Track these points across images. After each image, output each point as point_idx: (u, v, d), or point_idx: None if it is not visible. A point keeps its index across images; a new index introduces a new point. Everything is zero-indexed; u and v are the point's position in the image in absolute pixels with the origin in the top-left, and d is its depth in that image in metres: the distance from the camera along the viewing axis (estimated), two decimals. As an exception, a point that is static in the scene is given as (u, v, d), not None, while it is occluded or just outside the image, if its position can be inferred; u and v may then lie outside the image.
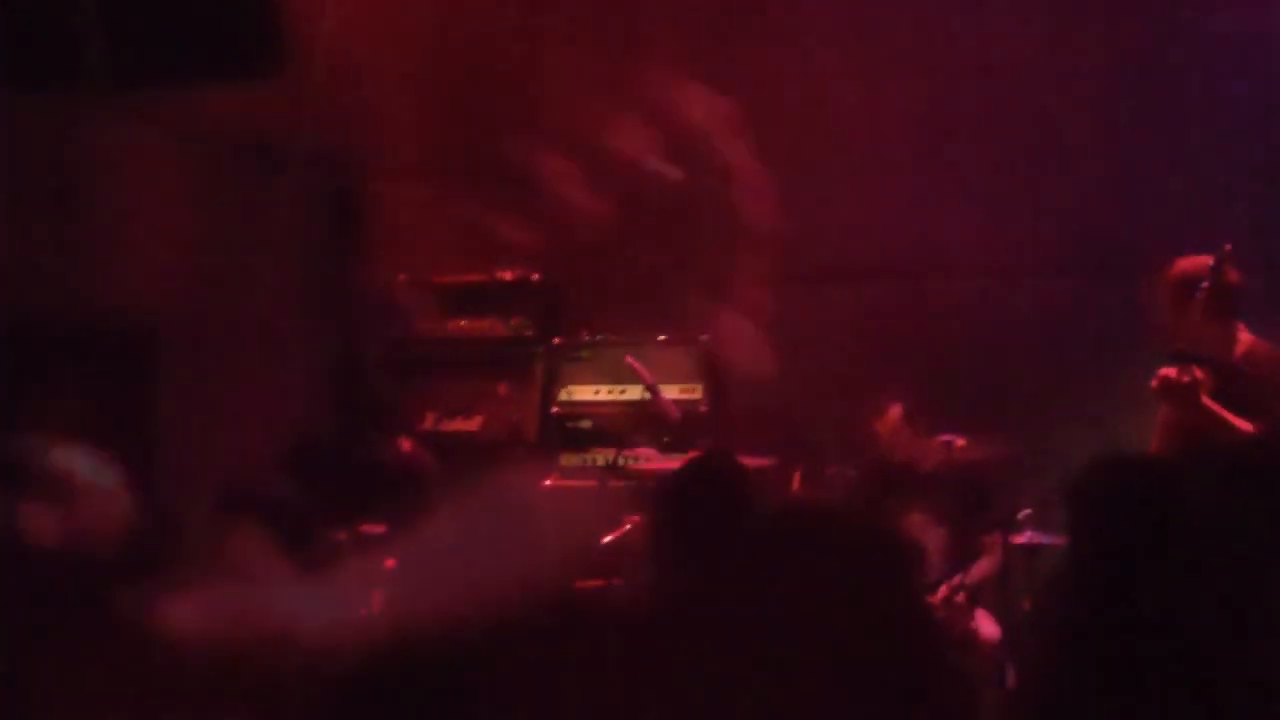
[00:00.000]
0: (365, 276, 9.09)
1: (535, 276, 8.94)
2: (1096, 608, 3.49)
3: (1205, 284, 6.17)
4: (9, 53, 6.13)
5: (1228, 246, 6.20)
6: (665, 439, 7.94)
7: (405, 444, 7.63)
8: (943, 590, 7.12)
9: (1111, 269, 8.00)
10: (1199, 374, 6.09)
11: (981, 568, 7.30)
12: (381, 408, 8.58)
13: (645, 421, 8.09)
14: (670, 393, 8.15)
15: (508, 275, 8.96)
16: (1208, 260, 6.27)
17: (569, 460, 8.63)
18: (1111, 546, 3.50)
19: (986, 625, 7.10)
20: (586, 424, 8.67)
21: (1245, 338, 6.36)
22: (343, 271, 9.06)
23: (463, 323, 9.00)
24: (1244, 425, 6.04)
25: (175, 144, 7.88)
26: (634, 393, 8.23)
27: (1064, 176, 8.44)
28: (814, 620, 2.85)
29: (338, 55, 8.21)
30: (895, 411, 7.57)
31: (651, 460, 7.67)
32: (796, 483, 7.62)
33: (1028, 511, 6.99)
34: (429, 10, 8.86)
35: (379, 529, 7.09)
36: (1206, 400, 6.09)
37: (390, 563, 6.48)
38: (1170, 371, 6.12)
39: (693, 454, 6.32)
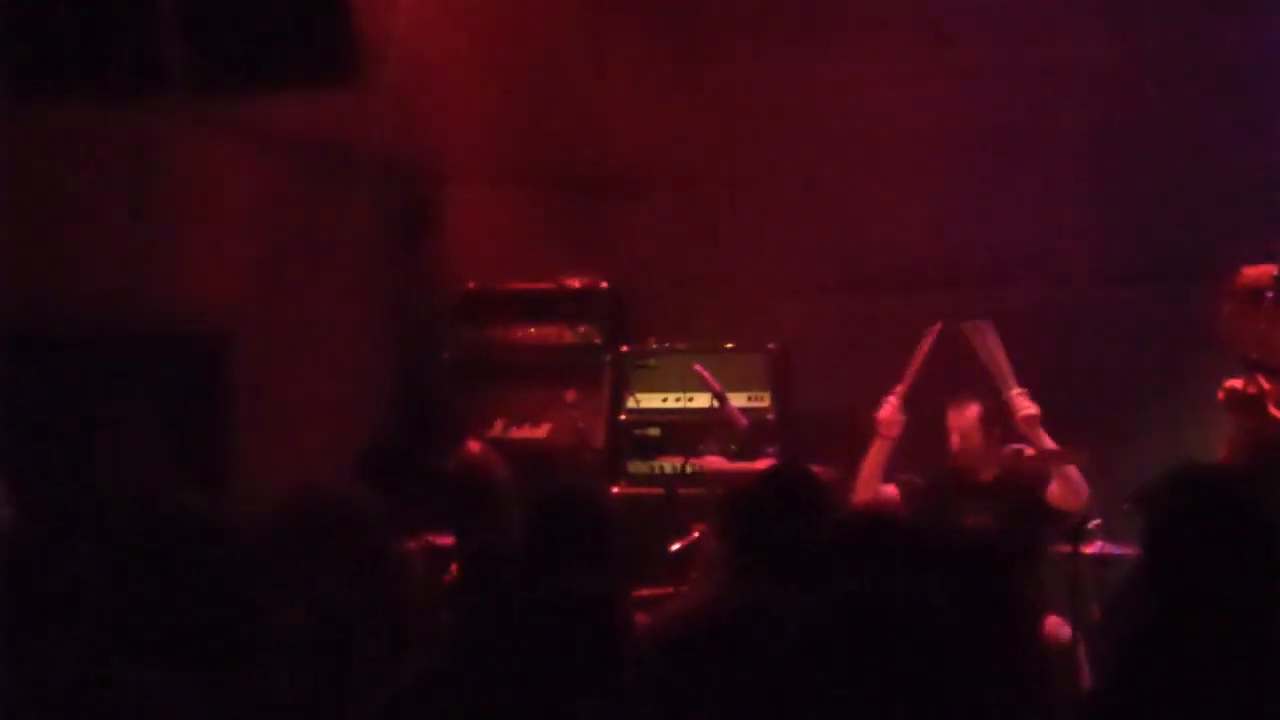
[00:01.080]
0: (434, 283, 9.14)
1: (603, 284, 8.96)
2: (1170, 617, 3.48)
3: (1270, 293, 6.16)
4: (91, 61, 6.22)
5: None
6: (733, 447, 7.93)
7: (474, 447, 7.65)
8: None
9: (1179, 277, 7.95)
10: (1266, 385, 6.07)
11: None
12: (449, 415, 8.61)
13: (713, 429, 8.09)
14: (738, 400, 8.15)
15: (575, 283, 8.98)
16: (1273, 269, 6.26)
17: (636, 468, 8.66)
18: (1185, 557, 3.49)
19: (1057, 630, 7.07)
20: (654, 432, 8.68)
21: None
22: (412, 278, 9.11)
23: (530, 330, 9.02)
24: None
25: (248, 149, 7.96)
26: (701, 400, 8.23)
27: (1130, 183, 8.39)
28: (888, 636, 2.86)
29: (408, 62, 8.27)
30: (973, 410, 7.52)
31: (719, 467, 7.67)
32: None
33: (1098, 521, 6.96)
34: (499, 17, 8.90)
35: (447, 540, 7.14)
36: (1275, 410, 6.07)
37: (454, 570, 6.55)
38: (1236, 383, 6.11)
39: (767, 464, 6.34)
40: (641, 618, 4.77)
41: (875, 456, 7.47)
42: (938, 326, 7.55)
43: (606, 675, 3.38)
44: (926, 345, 7.57)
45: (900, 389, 7.57)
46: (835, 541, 4.10)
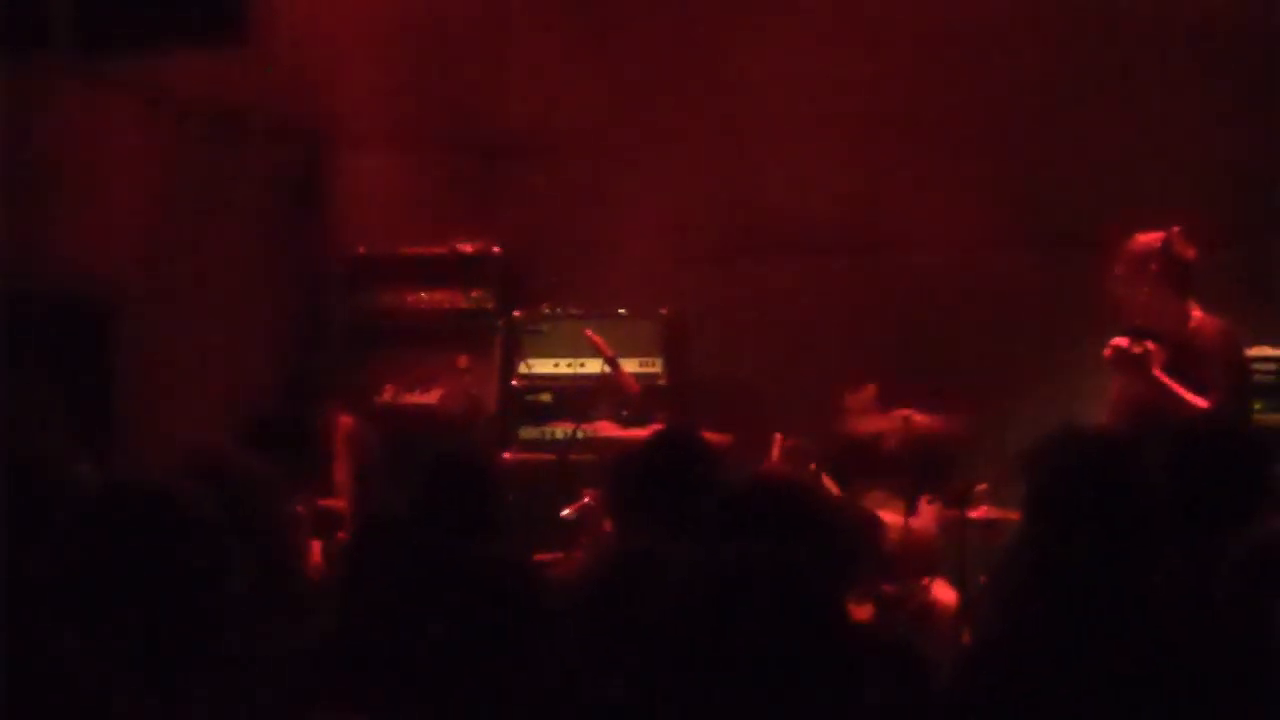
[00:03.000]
0: (326, 246, 9.08)
1: (495, 249, 8.94)
2: (1050, 580, 3.53)
3: (1154, 264, 6.27)
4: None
5: (1175, 229, 6.30)
6: (625, 413, 7.94)
7: (347, 421, 7.63)
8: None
9: (1068, 244, 8.03)
10: (1151, 346, 6.16)
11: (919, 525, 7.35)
12: (336, 380, 8.56)
13: (605, 395, 8.10)
14: (630, 366, 8.17)
15: (468, 247, 8.95)
16: (1160, 237, 6.36)
17: (528, 433, 8.65)
18: (1064, 519, 3.54)
19: (944, 594, 7.15)
20: (546, 397, 8.68)
21: (1197, 314, 6.43)
22: (303, 241, 9.05)
23: (422, 295, 8.99)
24: (1194, 399, 6.11)
25: (137, 111, 7.86)
26: (594, 366, 8.22)
27: (1022, 151, 8.47)
28: (768, 594, 2.87)
29: (301, 22, 8.20)
30: (870, 390, 7.61)
31: (610, 433, 7.68)
32: (770, 456, 7.62)
33: (983, 486, 7.04)
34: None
35: (337, 503, 7.12)
36: (1158, 373, 6.16)
37: (341, 535, 6.53)
38: (1123, 342, 6.20)
39: (655, 428, 6.35)
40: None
41: None
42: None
43: (503, 637, 3.39)
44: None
45: None
46: (723, 506, 4.11)
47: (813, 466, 7.26)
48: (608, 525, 5.45)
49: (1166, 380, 6.15)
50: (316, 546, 6.54)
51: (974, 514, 6.93)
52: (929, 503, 7.35)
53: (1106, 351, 6.23)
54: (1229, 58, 8.11)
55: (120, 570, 3.13)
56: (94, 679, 2.97)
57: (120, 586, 3.12)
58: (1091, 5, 8.41)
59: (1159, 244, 6.34)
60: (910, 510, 7.29)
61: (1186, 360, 6.26)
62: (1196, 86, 8.10)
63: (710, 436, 5.62)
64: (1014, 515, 6.65)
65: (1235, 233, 7.53)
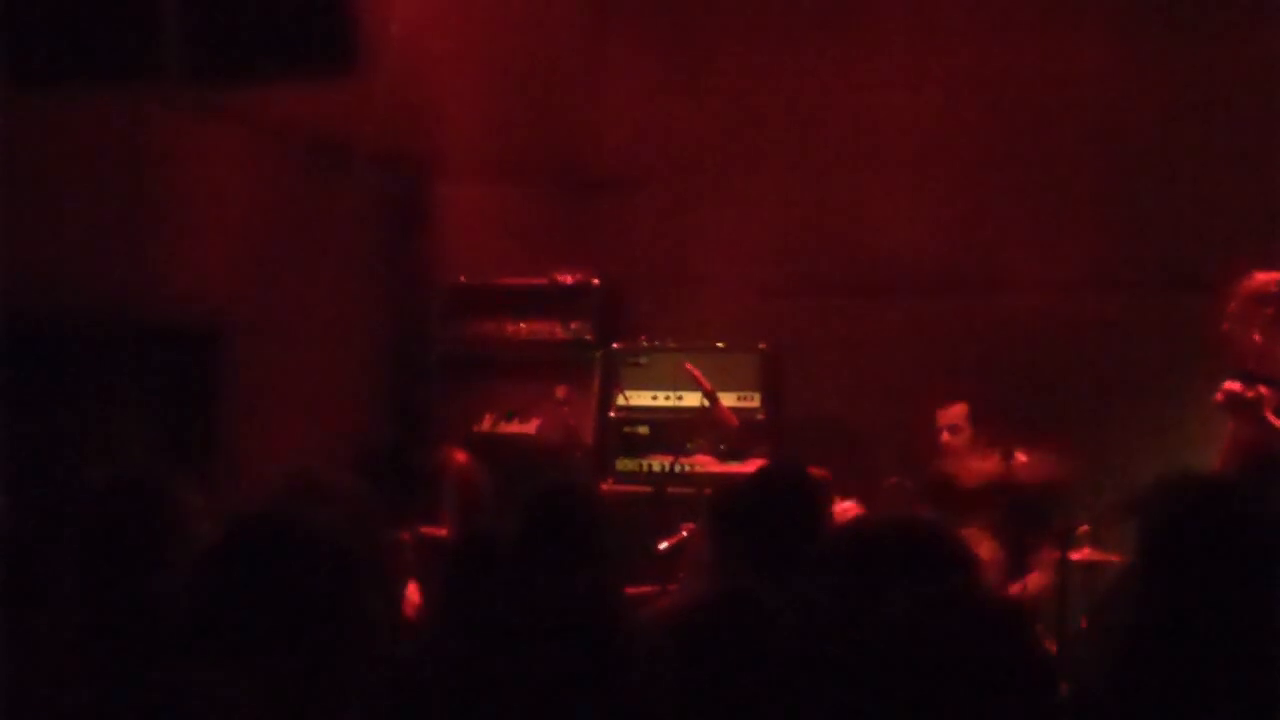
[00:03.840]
0: (427, 277, 9.13)
1: (595, 280, 8.96)
2: (1162, 625, 3.48)
3: (1270, 308, 6.18)
4: (86, 49, 6.20)
5: None
6: (722, 446, 7.93)
7: (460, 457, 7.67)
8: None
9: (1172, 283, 7.97)
10: (1264, 391, 6.08)
11: (1036, 582, 7.27)
12: (438, 410, 8.61)
13: (703, 428, 8.09)
14: (728, 400, 8.17)
15: (568, 279, 8.98)
16: (1267, 276, 6.27)
17: (625, 465, 8.66)
18: (1179, 564, 3.49)
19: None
20: (644, 430, 8.68)
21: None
22: (405, 271, 9.10)
23: (522, 325, 9.02)
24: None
25: (244, 140, 7.94)
26: (692, 399, 8.24)
27: (1125, 190, 8.42)
28: (880, 636, 2.85)
29: (406, 55, 8.26)
30: (960, 408, 7.55)
31: (709, 467, 7.67)
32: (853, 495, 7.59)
33: (1085, 528, 6.96)
34: (497, 12, 8.90)
35: (440, 531, 7.14)
36: (1271, 417, 6.07)
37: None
38: (1235, 385, 6.11)
39: (758, 463, 6.32)
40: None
41: None
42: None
43: (600, 670, 3.37)
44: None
45: None
46: (829, 543, 4.08)
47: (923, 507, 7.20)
48: (706, 560, 5.43)
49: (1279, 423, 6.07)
50: (413, 588, 6.59)
51: (1075, 556, 6.86)
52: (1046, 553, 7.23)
53: (1218, 395, 6.15)
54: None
55: (255, 604, 3.12)
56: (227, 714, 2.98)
57: (256, 621, 3.12)
58: (1201, 46, 8.34)
59: (1274, 286, 6.26)
60: (1006, 549, 7.22)
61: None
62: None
63: (813, 471, 5.60)
64: (1115, 558, 6.60)
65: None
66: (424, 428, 7.85)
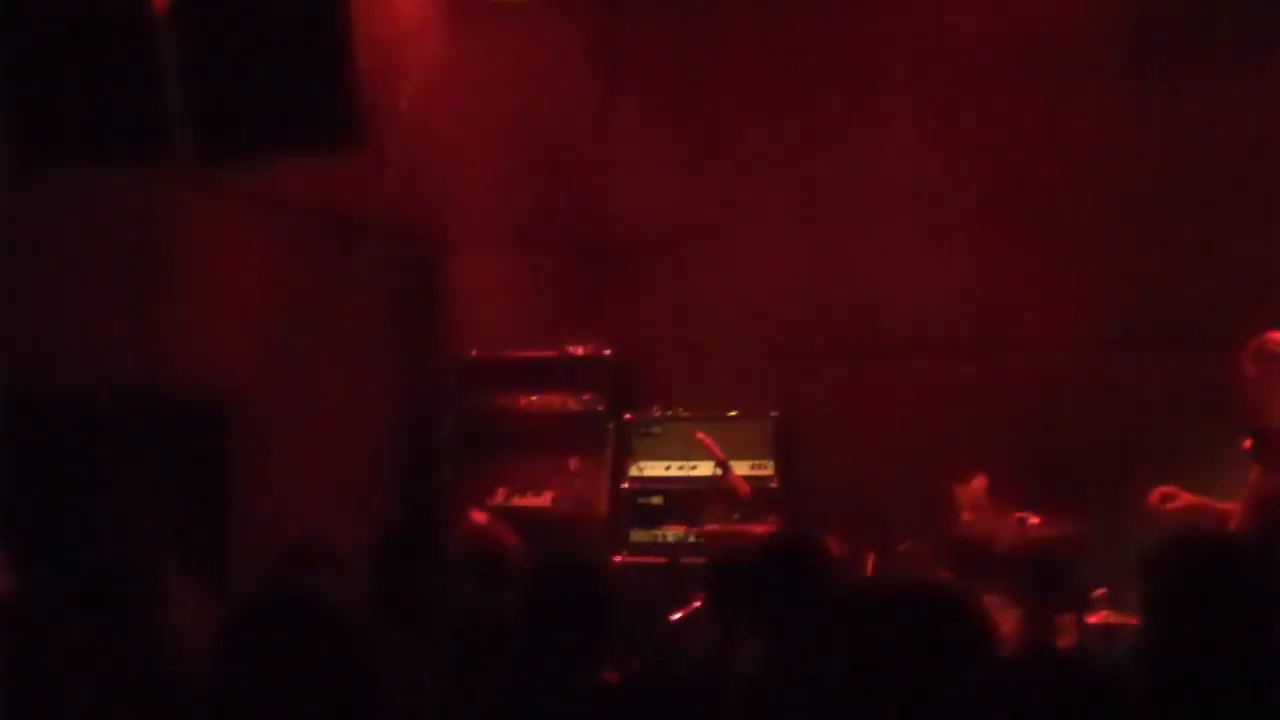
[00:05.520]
0: (439, 350, 9.13)
1: (606, 351, 8.96)
2: (1173, 686, 3.43)
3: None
4: (95, 125, 6.22)
5: None
6: (736, 516, 7.90)
7: (481, 517, 7.62)
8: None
9: (1184, 343, 7.95)
10: None
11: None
12: (452, 485, 8.59)
13: (716, 497, 8.06)
14: (741, 469, 8.14)
15: (579, 350, 8.98)
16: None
17: (639, 536, 8.62)
18: (1186, 624, 3.45)
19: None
20: (657, 500, 8.65)
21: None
22: (417, 345, 9.10)
23: (534, 398, 9.01)
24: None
25: (253, 215, 7.96)
26: (705, 469, 8.21)
27: (1136, 249, 8.41)
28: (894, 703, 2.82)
29: (416, 129, 8.29)
30: (979, 482, 7.52)
31: (723, 536, 7.63)
32: (870, 561, 7.54)
33: (1103, 590, 6.90)
34: (506, 86, 8.94)
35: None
36: None
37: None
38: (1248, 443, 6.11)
39: (763, 527, 6.30)
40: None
41: None
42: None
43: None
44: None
45: None
46: (842, 610, 4.05)
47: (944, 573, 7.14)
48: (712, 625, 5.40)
49: None
50: None
51: (1092, 619, 6.80)
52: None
53: (1247, 443, 6.15)
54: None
55: (271, 681, 3.10)
56: None
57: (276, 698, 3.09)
58: (1208, 103, 8.34)
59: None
60: (1025, 614, 7.16)
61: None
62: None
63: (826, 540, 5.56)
64: (1133, 620, 6.53)
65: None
66: (439, 503, 7.81)
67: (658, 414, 8.79)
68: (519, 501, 8.78)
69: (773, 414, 8.62)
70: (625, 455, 8.77)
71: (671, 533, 8.29)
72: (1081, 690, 2.71)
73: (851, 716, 2.97)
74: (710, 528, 7.77)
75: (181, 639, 3.50)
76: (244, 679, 3.10)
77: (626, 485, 8.73)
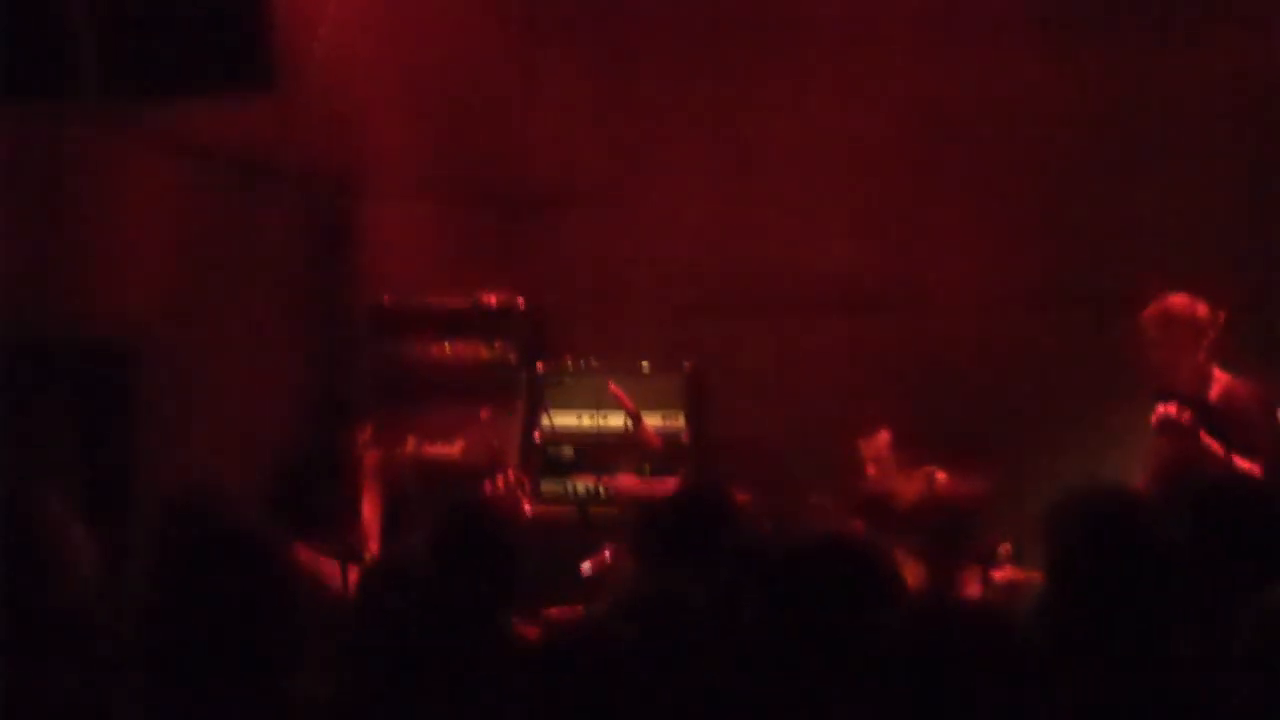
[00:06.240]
0: (350, 296, 9.08)
1: (519, 301, 8.92)
2: (1073, 641, 3.47)
3: (1186, 327, 6.26)
4: (1, 62, 6.13)
5: (1222, 315, 6.30)
6: (647, 467, 7.92)
7: (373, 454, 7.62)
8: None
9: (1096, 303, 8.01)
10: (1195, 412, 6.15)
11: None
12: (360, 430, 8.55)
13: (627, 449, 8.08)
14: (653, 421, 8.15)
15: (492, 299, 8.94)
16: (1185, 299, 6.35)
17: (550, 487, 8.61)
18: (1087, 579, 3.48)
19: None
20: (568, 450, 8.65)
21: (1220, 375, 6.42)
22: (328, 290, 9.05)
23: (446, 346, 8.97)
24: (1245, 464, 6.08)
25: (163, 156, 7.87)
26: (616, 420, 8.22)
27: (1053, 210, 8.48)
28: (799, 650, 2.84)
29: (328, 73, 8.21)
30: (884, 436, 7.55)
31: (633, 488, 7.65)
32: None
33: (1007, 546, 6.97)
34: (422, 31, 8.86)
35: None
36: (1207, 438, 6.13)
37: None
38: (1171, 409, 6.17)
39: (679, 483, 6.33)
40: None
41: None
42: None
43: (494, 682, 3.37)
44: None
45: None
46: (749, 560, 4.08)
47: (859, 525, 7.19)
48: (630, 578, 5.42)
49: (1217, 446, 6.12)
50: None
51: (997, 575, 6.87)
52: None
53: (1153, 419, 6.21)
54: (1238, 136, 8.14)
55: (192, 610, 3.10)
56: None
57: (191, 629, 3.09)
58: (1126, 69, 8.40)
59: (1193, 309, 6.33)
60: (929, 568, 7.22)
61: (1217, 422, 6.24)
62: (1211, 158, 8.13)
63: (736, 494, 5.59)
64: (1038, 576, 6.60)
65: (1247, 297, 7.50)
66: (351, 434, 7.76)
67: (570, 365, 8.77)
68: (430, 450, 8.75)
69: (685, 366, 8.62)
70: (537, 405, 8.75)
71: (582, 484, 8.28)
72: (983, 637, 2.74)
73: (763, 668, 2.98)
74: (622, 483, 7.78)
75: (72, 573, 3.49)
76: (160, 631, 3.11)
77: (538, 435, 8.71)
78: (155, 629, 3.18)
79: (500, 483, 7.54)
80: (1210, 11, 8.24)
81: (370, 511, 7.40)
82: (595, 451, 8.40)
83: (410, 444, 8.73)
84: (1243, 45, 8.16)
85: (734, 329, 8.82)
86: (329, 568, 6.87)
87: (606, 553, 6.87)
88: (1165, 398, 6.29)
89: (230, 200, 8.28)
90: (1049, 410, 8.17)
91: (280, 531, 4.13)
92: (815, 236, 8.69)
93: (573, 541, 7.38)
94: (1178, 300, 6.52)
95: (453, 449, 8.74)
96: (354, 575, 6.64)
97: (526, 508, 7.86)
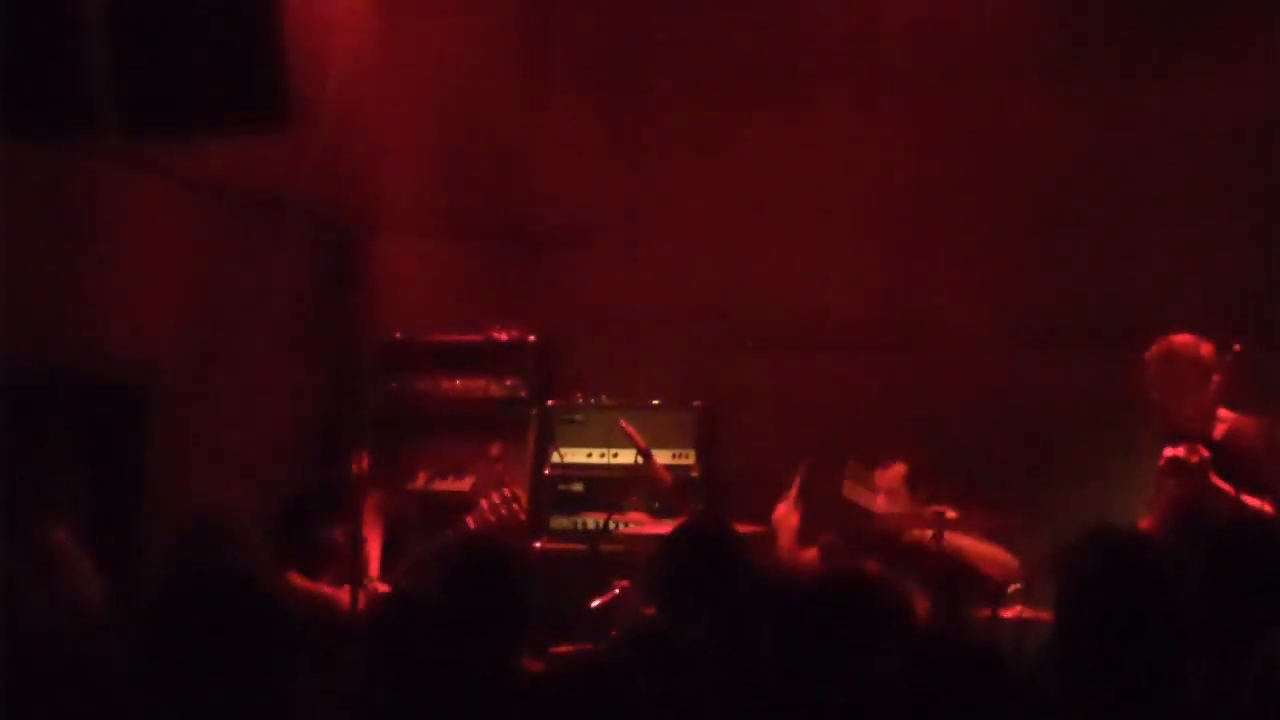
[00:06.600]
0: (361, 332, 9.09)
1: (530, 337, 8.93)
2: (1082, 681, 3.46)
3: (1193, 368, 6.25)
4: (16, 100, 6.15)
5: (1237, 348, 6.27)
6: (657, 504, 7.92)
7: (375, 492, 7.61)
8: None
9: (1101, 342, 8.02)
10: (1204, 453, 6.12)
11: None
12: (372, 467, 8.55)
13: (637, 486, 8.08)
14: (663, 457, 8.15)
15: (502, 335, 8.94)
16: (1189, 339, 6.35)
17: (559, 523, 8.60)
18: (1096, 619, 3.48)
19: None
20: (578, 487, 8.64)
21: (1226, 414, 6.41)
22: (339, 326, 9.06)
23: (457, 382, 8.97)
24: (1254, 502, 6.06)
25: (176, 194, 7.89)
26: (626, 456, 8.22)
27: (1059, 248, 8.50)
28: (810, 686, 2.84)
29: (342, 110, 8.24)
30: (899, 469, 7.55)
31: (643, 525, 7.64)
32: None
33: (1017, 586, 6.96)
34: (432, 69, 8.89)
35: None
36: (1217, 480, 6.11)
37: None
38: (1179, 451, 6.14)
39: (680, 520, 6.32)
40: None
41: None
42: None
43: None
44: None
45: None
46: (752, 597, 4.08)
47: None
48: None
49: (1227, 487, 6.11)
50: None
51: (1007, 614, 6.86)
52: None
53: (1162, 462, 6.20)
54: (1242, 175, 8.15)
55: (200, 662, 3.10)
56: None
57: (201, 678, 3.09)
58: (1133, 108, 8.42)
59: (1197, 349, 6.33)
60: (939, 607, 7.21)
61: (1224, 462, 6.22)
62: (1215, 196, 8.14)
63: (741, 528, 5.60)
64: (1047, 615, 6.59)
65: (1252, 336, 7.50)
66: (356, 475, 7.75)
67: (580, 401, 8.77)
68: (440, 486, 8.75)
69: (695, 404, 8.63)
70: (547, 442, 8.75)
71: (592, 520, 8.27)
72: (989, 677, 2.74)
73: (773, 704, 2.98)
74: (633, 517, 7.77)
75: (79, 605, 3.50)
76: (163, 662, 3.10)
77: (548, 471, 8.71)
78: (154, 661, 3.19)
79: (496, 499, 7.53)
80: (1213, 49, 8.25)
81: (371, 545, 7.40)
82: (606, 488, 8.38)
83: (421, 479, 8.74)
84: (1246, 82, 8.16)
85: (745, 366, 8.82)
86: (334, 594, 6.90)
87: (616, 589, 6.86)
88: (1174, 440, 6.27)
89: (242, 237, 8.31)
90: (1057, 449, 8.16)
91: (281, 567, 4.14)
92: (827, 274, 8.71)
93: (582, 578, 7.36)
94: (1182, 340, 6.52)
95: (463, 484, 8.73)
96: (361, 600, 6.68)
97: (523, 518, 7.83)
